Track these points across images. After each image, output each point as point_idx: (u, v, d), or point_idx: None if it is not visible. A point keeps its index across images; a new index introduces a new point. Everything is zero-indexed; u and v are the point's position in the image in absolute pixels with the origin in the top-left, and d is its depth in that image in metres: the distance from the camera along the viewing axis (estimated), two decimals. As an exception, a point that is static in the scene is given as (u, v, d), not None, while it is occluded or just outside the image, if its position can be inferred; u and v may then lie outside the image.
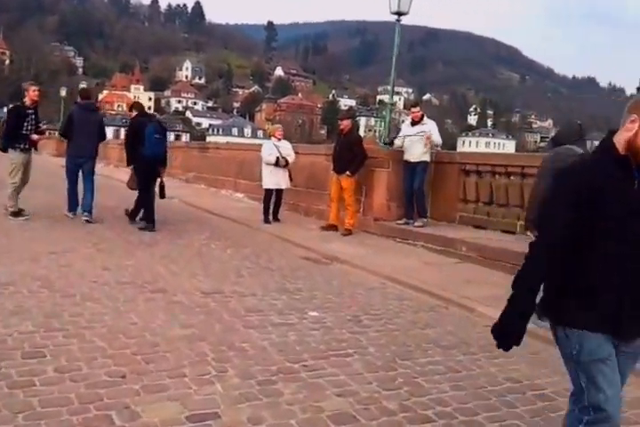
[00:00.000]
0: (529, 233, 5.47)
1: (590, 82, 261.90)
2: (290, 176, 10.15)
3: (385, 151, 9.29)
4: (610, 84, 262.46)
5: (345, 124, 9.37)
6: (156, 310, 4.72)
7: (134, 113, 9.07)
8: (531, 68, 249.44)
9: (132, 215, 8.96)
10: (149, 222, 8.52)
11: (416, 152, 8.60)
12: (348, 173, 8.86)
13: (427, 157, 8.60)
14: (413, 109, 8.89)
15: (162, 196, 8.83)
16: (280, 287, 5.86)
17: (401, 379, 3.75)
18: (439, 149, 9.66)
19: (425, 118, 8.72)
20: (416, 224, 8.49)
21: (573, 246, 2.15)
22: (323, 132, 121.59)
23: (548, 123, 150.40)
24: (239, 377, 3.51)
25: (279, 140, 10.33)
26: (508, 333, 2.25)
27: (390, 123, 10.33)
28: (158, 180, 8.81)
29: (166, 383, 3.34)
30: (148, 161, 8.42)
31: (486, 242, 7.09)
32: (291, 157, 10.08)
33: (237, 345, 4.05)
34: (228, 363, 3.72)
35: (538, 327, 4.77)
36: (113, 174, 17.37)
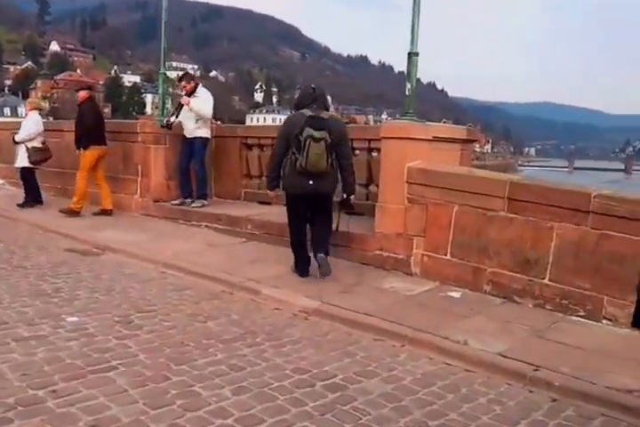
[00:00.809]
0: (269, 192, 5.48)
1: (363, 60, 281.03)
2: (35, 155, 8.93)
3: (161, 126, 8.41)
4: (380, 61, 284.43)
5: (81, 95, 8.40)
6: None
7: None
8: (310, 46, 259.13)
9: None
10: None
11: (189, 127, 7.89)
12: (80, 149, 8.19)
13: (202, 133, 7.89)
14: (182, 84, 8.09)
15: None
16: (34, 290, 4.87)
17: (174, 390, 3.15)
18: (219, 123, 9.05)
19: (199, 89, 8.01)
20: (193, 205, 7.83)
21: None
22: (107, 110, 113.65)
23: (328, 99, 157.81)
24: (-49, 425, 2.63)
25: (26, 115, 9.24)
26: None
27: (164, 95, 9.37)
28: None
29: None
30: None
31: (270, 218, 6.72)
32: (19, 134, 8.96)
33: (-43, 377, 3.11)
34: (-60, 405, 2.79)
35: (323, 304, 4.58)
36: None
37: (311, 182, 5.00)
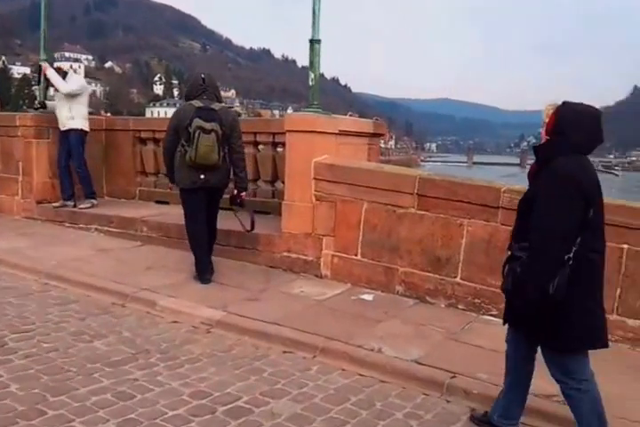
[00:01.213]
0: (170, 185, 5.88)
1: (266, 53, 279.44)
2: None
3: (42, 117, 7.58)
4: (283, 55, 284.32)
5: None
6: None
7: None
8: (211, 37, 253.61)
9: None
10: None
11: (61, 117, 7.08)
12: None
13: (77, 124, 7.06)
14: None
15: None
16: None
17: (50, 428, 2.69)
18: (109, 115, 8.32)
19: (68, 76, 7.26)
20: (82, 206, 7.13)
21: None
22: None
23: (232, 93, 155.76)
24: None
25: None
26: None
27: (44, 83, 8.39)
28: None
29: None
30: None
31: (169, 219, 6.20)
32: None
33: None
34: None
35: (227, 314, 4.18)
36: None
37: (202, 176, 4.77)
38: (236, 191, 4.98)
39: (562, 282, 2.39)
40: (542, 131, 2.63)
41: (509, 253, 2.62)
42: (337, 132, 5.27)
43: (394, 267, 4.68)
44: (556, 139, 2.53)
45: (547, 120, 2.58)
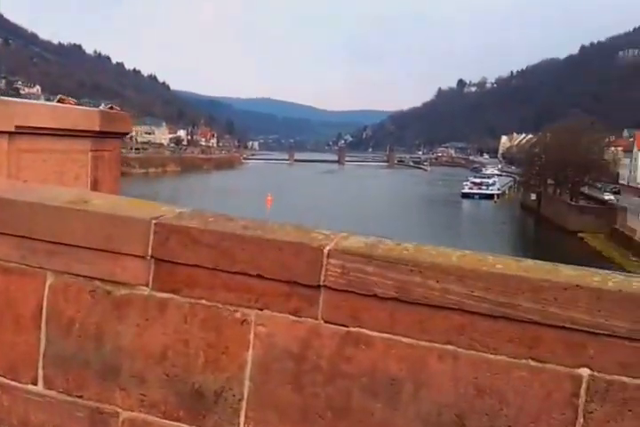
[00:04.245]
0: None
1: (77, 48, 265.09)
2: None
3: None
4: (96, 51, 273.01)
5: None
6: None
7: None
8: (14, 32, 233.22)
9: None
10: None
11: None
12: None
13: None
14: None
15: None
16: None
17: None
18: None
19: None
20: None
21: None
22: None
23: (37, 89, 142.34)
24: None
25: None
26: None
27: None
28: None
29: None
30: None
31: None
32: None
33: None
34: None
35: None
36: None
37: None
38: None
39: None
40: None
41: None
42: (12, 130, 2.73)
43: (109, 409, 2.26)
44: None
45: None
